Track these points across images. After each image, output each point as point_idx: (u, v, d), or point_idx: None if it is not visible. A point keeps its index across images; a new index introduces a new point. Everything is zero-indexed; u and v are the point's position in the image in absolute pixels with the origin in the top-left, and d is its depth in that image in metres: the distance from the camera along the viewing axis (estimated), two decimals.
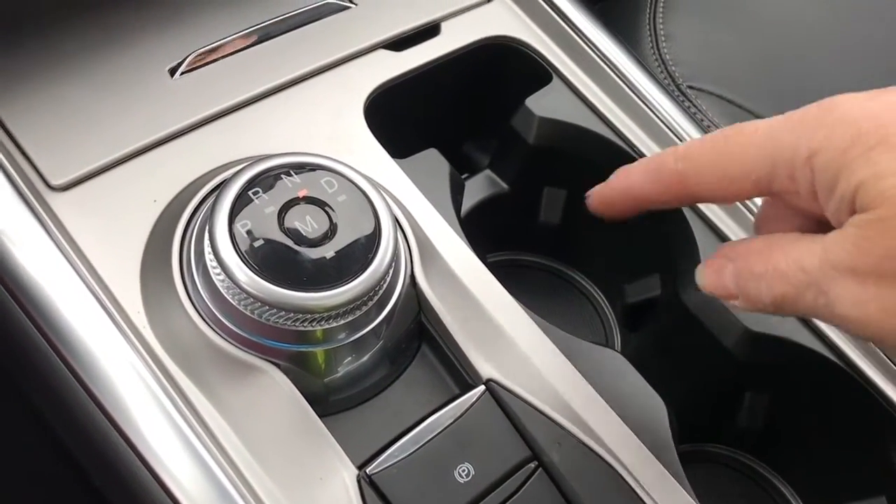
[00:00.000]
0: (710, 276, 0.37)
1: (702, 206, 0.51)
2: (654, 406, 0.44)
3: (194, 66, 0.48)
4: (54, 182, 0.42)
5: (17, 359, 0.40)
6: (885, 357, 0.47)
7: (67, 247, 0.40)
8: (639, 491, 0.41)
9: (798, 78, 0.72)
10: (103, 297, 0.39)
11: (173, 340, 0.39)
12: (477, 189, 0.57)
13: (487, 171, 0.57)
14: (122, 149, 0.44)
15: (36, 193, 0.42)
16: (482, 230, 0.52)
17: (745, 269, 0.35)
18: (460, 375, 0.43)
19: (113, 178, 0.44)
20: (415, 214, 0.46)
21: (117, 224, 0.42)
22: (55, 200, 0.42)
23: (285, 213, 0.38)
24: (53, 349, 0.38)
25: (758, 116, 0.71)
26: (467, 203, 0.55)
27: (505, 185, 0.57)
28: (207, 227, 0.38)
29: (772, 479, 0.55)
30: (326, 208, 0.39)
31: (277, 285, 0.37)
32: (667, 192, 0.37)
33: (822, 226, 0.33)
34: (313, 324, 0.38)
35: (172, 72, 0.48)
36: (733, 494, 0.55)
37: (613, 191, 0.40)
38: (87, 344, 0.38)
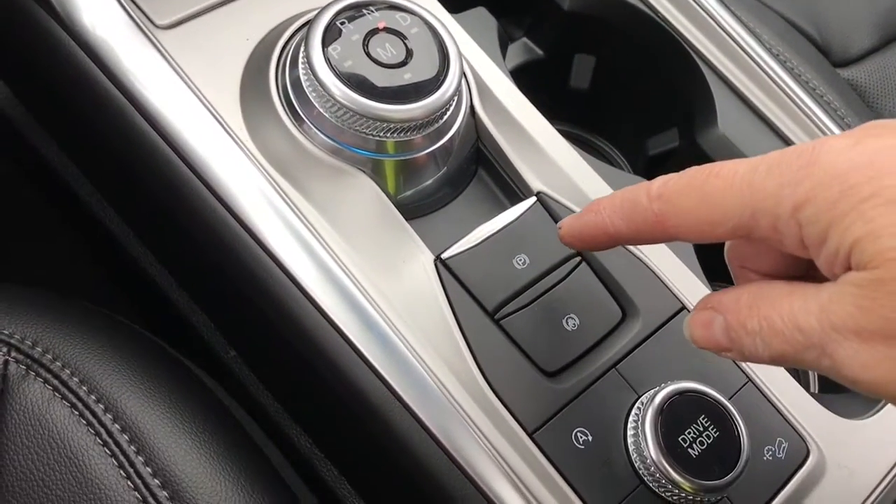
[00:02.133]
0: (699, 329, 0.35)
1: (716, 63, 0.58)
2: None
3: None
4: (159, 22, 0.49)
5: (148, 165, 0.46)
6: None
7: (181, 72, 0.46)
8: (663, 279, 0.48)
9: None
10: (219, 115, 0.45)
11: (272, 151, 0.46)
12: (514, 56, 0.63)
13: (524, 39, 0.64)
14: None
15: (147, 29, 0.48)
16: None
17: (737, 323, 0.33)
18: (513, 192, 0.50)
19: (208, 21, 0.50)
20: (470, 58, 0.52)
21: (215, 58, 0.48)
22: (161, 36, 0.48)
23: (368, 41, 0.45)
24: (181, 157, 0.45)
25: (768, 6, 0.77)
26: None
27: (540, 52, 0.63)
28: (303, 52, 0.44)
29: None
30: (403, 38, 0.46)
31: (363, 97, 0.43)
32: (643, 233, 0.36)
33: (805, 263, 0.33)
34: (389, 134, 0.45)
35: None
36: None
37: (586, 226, 0.39)
38: (208, 152, 0.45)
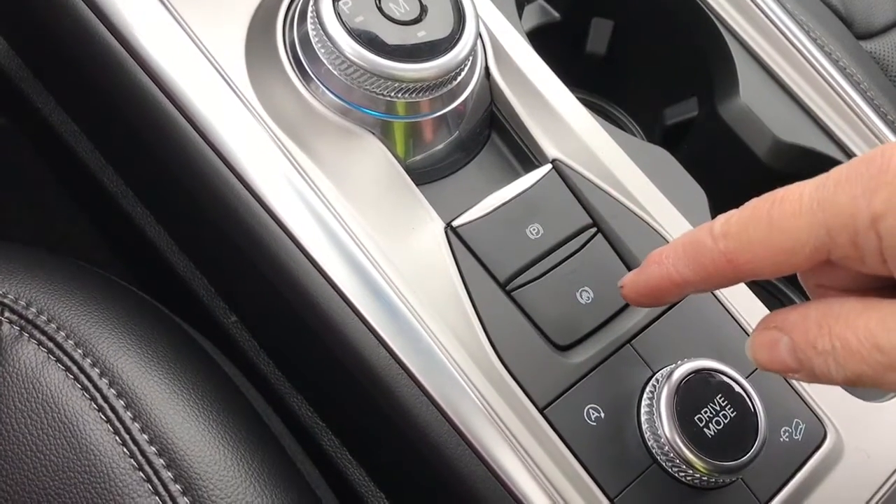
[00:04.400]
0: (763, 351, 0.34)
1: (737, 28, 0.56)
2: (697, 193, 0.50)
3: None
4: None
5: (148, 122, 0.44)
6: None
7: (184, 25, 0.44)
8: None
9: None
10: (223, 71, 0.43)
11: (278, 109, 0.44)
12: (530, 18, 0.61)
13: (540, 1, 0.61)
14: None
15: None
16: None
17: (805, 343, 0.32)
18: (527, 159, 0.48)
19: None
20: (486, 19, 0.50)
21: (220, 10, 0.46)
22: None
23: None
24: (182, 113, 0.43)
25: None
26: None
27: (557, 15, 0.61)
28: (312, 6, 0.42)
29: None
30: None
31: (374, 55, 0.41)
32: (713, 277, 0.34)
33: (882, 281, 0.32)
34: (400, 94, 0.43)
35: None
36: None
37: (650, 279, 0.37)
38: (211, 109, 0.43)
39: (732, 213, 0.33)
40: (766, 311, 0.47)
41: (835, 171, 0.30)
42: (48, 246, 0.49)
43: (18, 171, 0.67)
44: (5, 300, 0.42)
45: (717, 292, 0.46)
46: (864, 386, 0.30)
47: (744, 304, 0.47)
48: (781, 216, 0.31)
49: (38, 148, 0.66)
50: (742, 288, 0.47)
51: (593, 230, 0.45)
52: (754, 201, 0.33)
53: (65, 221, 0.68)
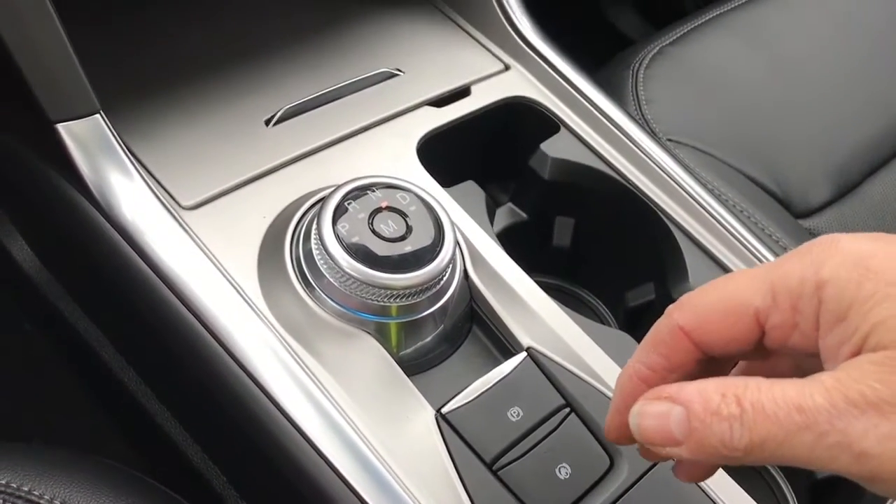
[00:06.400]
0: (651, 419, 0.33)
1: (683, 223, 0.64)
2: None
3: (283, 118, 0.61)
4: (185, 203, 0.55)
5: (173, 334, 0.51)
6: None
7: (204, 248, 0.52)
8: None
9: (764, 132, 0.87)
10: (239, 286, 0.51)
11: (286, 317, 0.51)
12: (502, 219, 0.69)
13: (509, 204, 0.70)
14: (233, 179, 0.57)
15: (174, 211, 0.54)
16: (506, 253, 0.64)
17: (704, 411, 0.31)
18: (505, 347, 0.54)
19: (228, 201, 0.56)
20: (462, 228, 0.58)
21: (235, 233, 0.54)
22: (186, 216, 0.54)
23: (373, 218, 0.51)
24: (203, 325, 0.49)
25: (731, 167, 0.85)
26: (493, 230, 0.67)
27: (524, 215, 0.70)
28: (315, 228, 0.50)
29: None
30: (404, 216, 0.51)
31: (369, 268, 0.49)
32: (672, 353, 0.35)
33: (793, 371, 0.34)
34: (392, 300, 0.50)
35: (267, 122, 0.61)
36: None
37: (617, 392, 0.37)
38: (230, 322, 0.50)
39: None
40: (741, 492, 0.51)
41: (794, 250, 0.34)
42: (73, 444, 0.53)
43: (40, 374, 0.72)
44: (41, 501, 0.47)
45: None
46: (761, 455, 0.30)
47: (716, 478, 0.50)
48: (736, 278, 0.34)
49: (62, 348, 0.72)
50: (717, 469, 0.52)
51: (567, 410, 0.51)
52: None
53: (89, 417, 0.73)
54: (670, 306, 0.36)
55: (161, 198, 0.53)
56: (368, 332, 0.50)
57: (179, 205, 0.55)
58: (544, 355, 0.53)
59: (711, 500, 0.50)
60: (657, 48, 0.91)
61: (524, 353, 0.53)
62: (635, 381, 0.36)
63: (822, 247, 0.32)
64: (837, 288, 0.31)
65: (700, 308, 0.35)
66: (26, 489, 0.46)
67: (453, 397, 0.50)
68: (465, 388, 0.51)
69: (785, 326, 0.33)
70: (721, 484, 0.51)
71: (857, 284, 0.30)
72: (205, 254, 0.51)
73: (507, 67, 0.70)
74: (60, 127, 0.51)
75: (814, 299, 0.31)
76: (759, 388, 0.30)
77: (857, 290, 0.30)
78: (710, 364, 0.36)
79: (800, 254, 0.33)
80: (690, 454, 0.32)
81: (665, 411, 0.32)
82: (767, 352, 0.35)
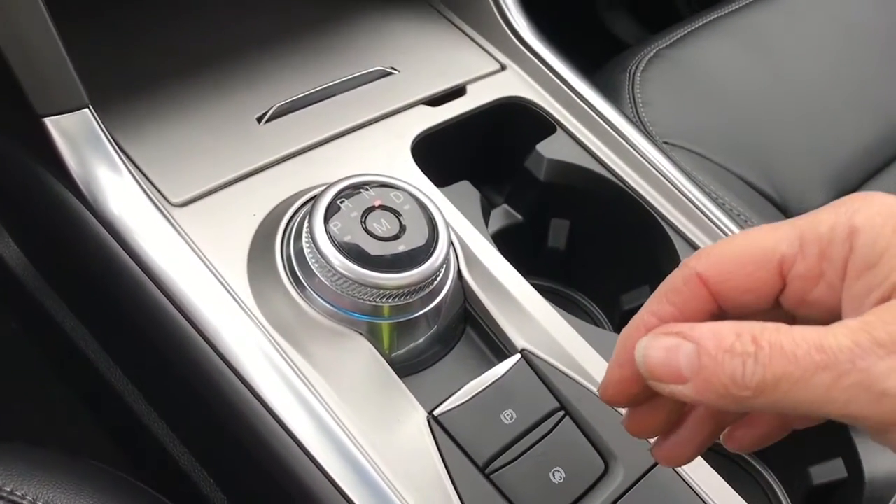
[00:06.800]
0: (658, 352, 0.31)
1: (679, 226, 0.64)
2: None
3: (275, 115, 0.61)
4: (174, 200, 0.54)
5: (161, 332, 0.50)
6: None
7: (193, 246, 0.51)
8: None
9: (761, 136, 0.86)
10: (228, 285, 0.50)
11: (276, 316, 0.50)
12: (496, 220, 0.69)
13: (505, 206, 0.69)
14: (224, 177, 0.56)
15: (163, 207, 0.53)
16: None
17: (716, 348, 0.30)
18: (499, 349, 0.53)
19: (218, 199, 0.55)
20: (456, 228, 0.57)
21: (225, 231, 0.53)
22: (175, 213, 0.53)
23: (366, 217, 0.50)
24: (191, 324, 0.48)
25: (728, 170, 0.85)
26: (488, 231, 0.67)
27: (519, 217, 0.69)
28: (306, 227, 0.49)
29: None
30: (397, 215, 0.51)
31: (362, 267, 0.48)
32: (688, 304, 0.34)
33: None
34: (385, 300, 0.49)
35: (259, 119, 0.60)
36: None
37: (621, 343, 0.36)
38: (218, 320, 0.49)
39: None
40: (736, 497, 0.51)
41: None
42: (58, 445, 0.52)
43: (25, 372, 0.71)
44: (23, 501, 0.46)
45: (687, 476, 0.50)
46: (774, 394, 0.29)
47: (711, 483, 0.50)
48: (762, 228, 0.33)
49: (46, 348, 0.71)
50: (713, 474, 0.51)
51: (561, 413, 0.50)
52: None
53: (67, 418, 0.71)
54: (687, 258, 0.35)
55: (150, 194, 0.52)
56: (360, 333, 0.49)
57: (168, 201, 0.54)
58: (539, 357, 0.52)
59: None
60: (654, 51, 0.91)
61: (518, 356, 0.52)
62: (642, 332, 0.34)
63: (856, 198, 0.32)
64: (871, 234, 0.30)
65: (721, 256, 0.33)
66: (8, 489, 0.45)
67: (446, 399, 0.49)
68: (458, 390, 0.50)
69: (809, 276, 0.32)
70: (716, 488, 0.50)
71: (892, 230, 0.30)
72: (194, 251, 0.50)
73: (503, 67, 0.70)
74: (48, 121, 0.50)
75: (845, 244, 0.31)
76: (778, 328, 0.29)
77: (893, 235, 0.30)
78: None
79: (833, 205, 0.32)
80: (696, 393, 0.30)
81: (674, 345, 0.31)
82: (781, 315, 0.34)
